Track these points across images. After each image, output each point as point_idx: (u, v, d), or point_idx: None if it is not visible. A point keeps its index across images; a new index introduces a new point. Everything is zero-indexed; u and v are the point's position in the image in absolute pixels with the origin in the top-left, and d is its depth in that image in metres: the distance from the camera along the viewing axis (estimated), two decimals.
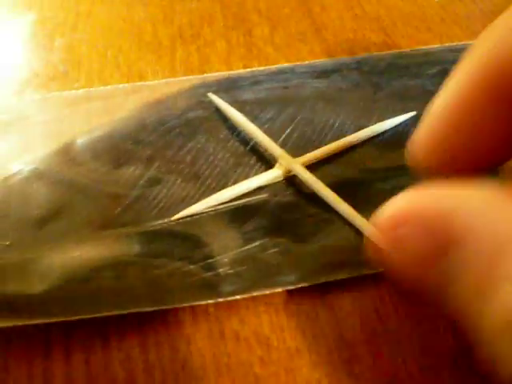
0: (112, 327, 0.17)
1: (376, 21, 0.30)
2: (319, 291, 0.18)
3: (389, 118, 0.23)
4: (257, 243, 0.19)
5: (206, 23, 0.29)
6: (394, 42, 0.28)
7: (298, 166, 0.21)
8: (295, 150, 0.22)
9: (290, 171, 0.21)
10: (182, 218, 0.20)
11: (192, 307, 0.18)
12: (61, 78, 0.26)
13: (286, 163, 0.21)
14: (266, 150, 0.22)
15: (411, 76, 0.26)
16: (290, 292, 0.18)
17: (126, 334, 0.17)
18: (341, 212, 0.19)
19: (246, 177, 0.21)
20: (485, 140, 0.12)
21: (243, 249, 0.19)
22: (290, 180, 0.21)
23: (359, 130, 0.23)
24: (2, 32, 0.29)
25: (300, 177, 0.21)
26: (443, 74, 0.13)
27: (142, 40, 0.28)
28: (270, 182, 0.21)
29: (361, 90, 0.25)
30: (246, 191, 0.21)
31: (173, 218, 0.20)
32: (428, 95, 0.14)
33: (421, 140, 0.13)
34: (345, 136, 0.23)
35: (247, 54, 0.27)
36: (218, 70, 0.26)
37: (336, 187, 0.20)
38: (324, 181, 0.20)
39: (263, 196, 0.21)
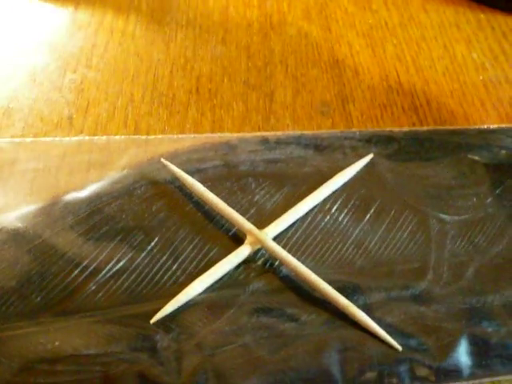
0: None
1: (410, 97, 0.27)
2: None
3: None
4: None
5: (226, 76, 0.27)
6: (421, 125, 0.26)
7: (268, 241, 0.21)
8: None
9: (259, 246, 0.21)
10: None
11: None
12: (64, 124, 0.25)
13: (255, 238, 0.21)
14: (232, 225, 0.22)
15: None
16: None
17: None
18: (320, 290, 0.20)
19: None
20: None
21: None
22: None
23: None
24: (15, 61, 0.28)
25: (271, 253, 0.21)
26: None
27: (157, 89, 0.26)
28: (240, 261, 0.21)
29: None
30: (220, 277, 0.20)
31: (151, 322, 0.19)
32: None
33: None
34: None
35: (264, 124, 0.25)
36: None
37: None
38: None
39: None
